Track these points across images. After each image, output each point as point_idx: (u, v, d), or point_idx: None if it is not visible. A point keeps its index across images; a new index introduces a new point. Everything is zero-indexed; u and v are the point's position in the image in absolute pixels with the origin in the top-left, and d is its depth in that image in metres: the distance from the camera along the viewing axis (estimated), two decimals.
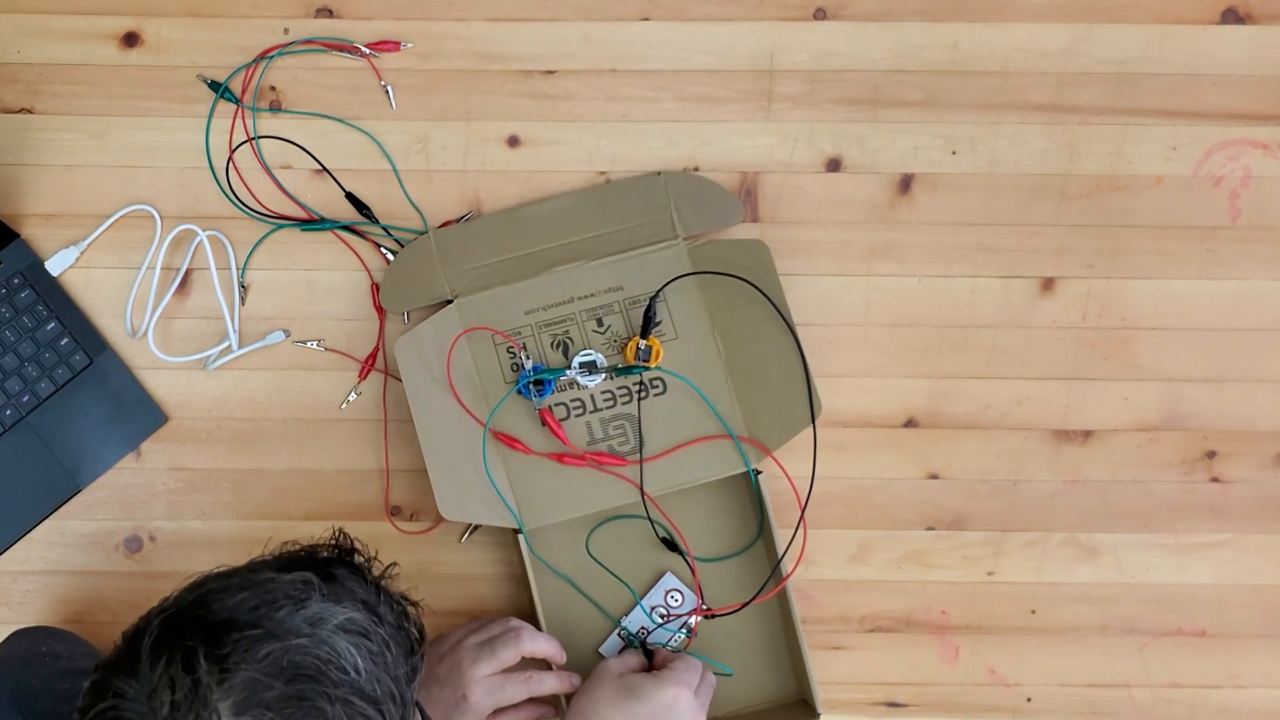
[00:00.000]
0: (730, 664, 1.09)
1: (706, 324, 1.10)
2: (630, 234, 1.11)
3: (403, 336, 1.08)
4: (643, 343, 1.08)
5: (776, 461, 1.08)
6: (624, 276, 1.10)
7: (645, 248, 1.11)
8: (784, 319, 1.09)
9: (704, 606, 1.09)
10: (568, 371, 1.08)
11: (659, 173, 1.12)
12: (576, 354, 1.09)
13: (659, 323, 1.09)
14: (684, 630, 1.10)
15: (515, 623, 1.05)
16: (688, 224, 1.11)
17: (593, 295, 1.10)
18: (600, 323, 1.10)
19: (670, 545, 1.10)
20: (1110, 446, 1.15)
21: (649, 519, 1.09)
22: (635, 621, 1.10)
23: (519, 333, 1.09)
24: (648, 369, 1.08)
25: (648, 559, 1.11)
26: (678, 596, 1.10)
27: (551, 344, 1.09)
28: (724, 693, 1.09)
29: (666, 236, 1.11)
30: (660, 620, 1.10)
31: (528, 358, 1.08)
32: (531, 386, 1.07)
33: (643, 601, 1.10)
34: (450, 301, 1.10)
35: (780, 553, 1.08)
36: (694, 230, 1.12)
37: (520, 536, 1.07)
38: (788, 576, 1.08)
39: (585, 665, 1.07)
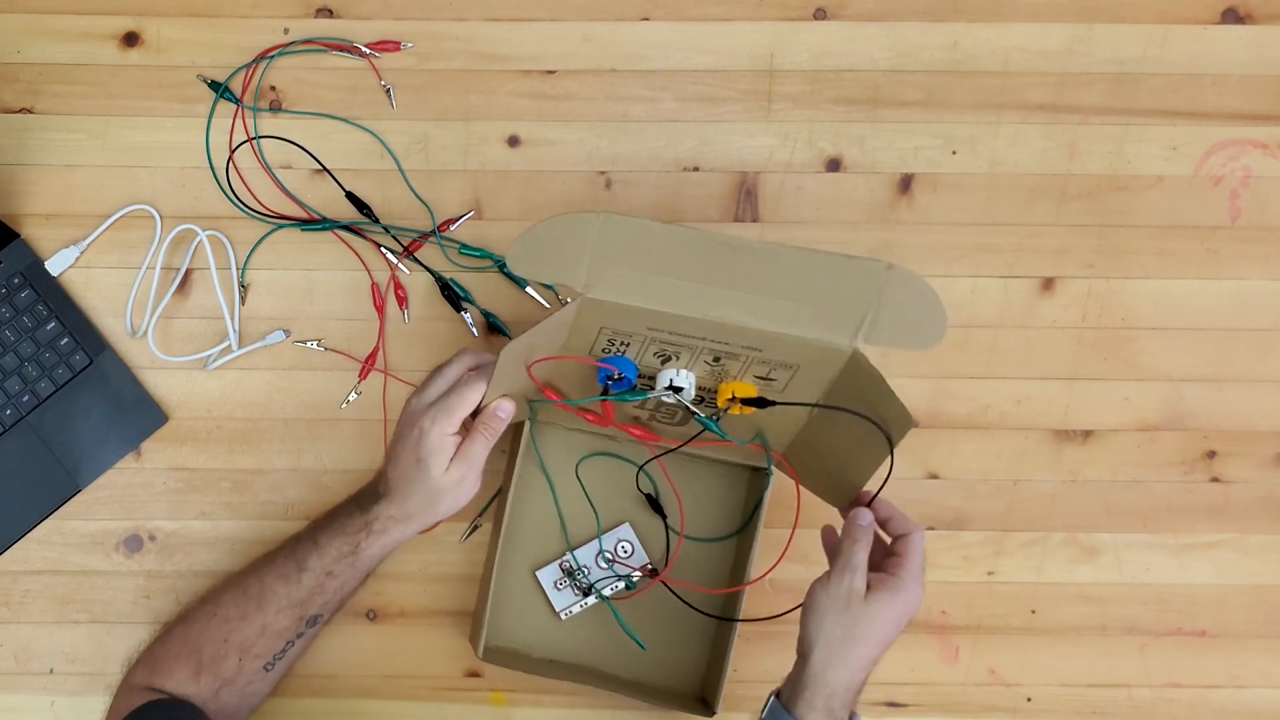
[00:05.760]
0: (654, 636, 1.10)
1: (811, 398, 1.01)
2: (811, 318, 0.95)
3: (513, 342, 0.96)
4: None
5: (793, 475, 1.06)
6: (772, 346, 0.97)
7: (812, 339, 0.95)
8: (889, 450, 0.96)
9: (654, 569, 1.10)
10: (650, 394, 1.00)
11: (890, 265, 0.92)
12: (670, 369, 1.01)
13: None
14: (628, 582, 1.10)
15: (460, 368, 1.00)
16: (876, 333, 0.95)
17: (727, 344, 0.98)
18: (716, 360, 1.00)
19: (654, 506, 1.10)
20: (1110, 446, 1.15)
21: (638, 467, 1.09)
22: (583, 557, 1.11)
23: (630, 336, 0.98)
24: (722, 435, 1.02)
25: (624, 506, 1.12)
26: (627, 548, 1.11)
27: (655, 354, 1.00)
28: (631, 662, 1.10)
29: (841, 343, 0.95)
30: (604, 567, 1.10)
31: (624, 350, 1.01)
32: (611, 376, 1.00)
33: (598, 541, 1.11)
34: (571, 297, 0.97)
35: (776, 556, 1.07)
36: (879, 342, 0.95)
37: (526, 424, 1.05)
38: (762, 574, 1.07)
39: (522, 578, 1.11)
